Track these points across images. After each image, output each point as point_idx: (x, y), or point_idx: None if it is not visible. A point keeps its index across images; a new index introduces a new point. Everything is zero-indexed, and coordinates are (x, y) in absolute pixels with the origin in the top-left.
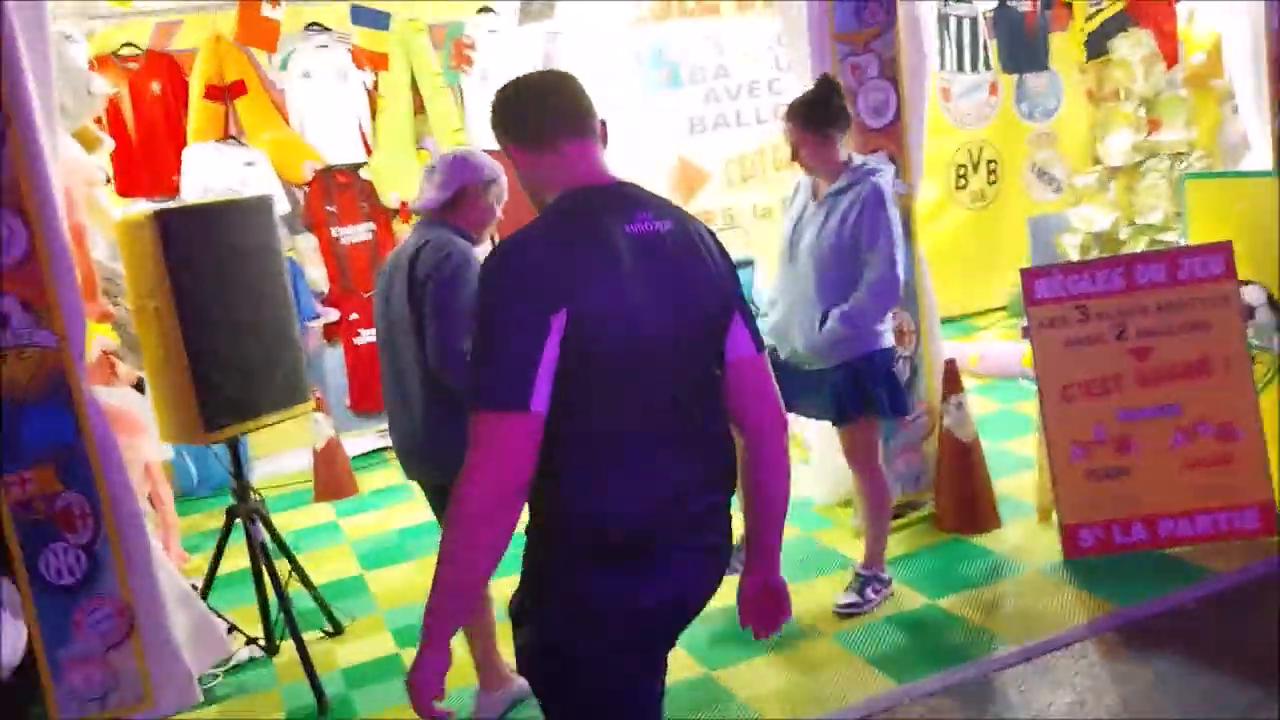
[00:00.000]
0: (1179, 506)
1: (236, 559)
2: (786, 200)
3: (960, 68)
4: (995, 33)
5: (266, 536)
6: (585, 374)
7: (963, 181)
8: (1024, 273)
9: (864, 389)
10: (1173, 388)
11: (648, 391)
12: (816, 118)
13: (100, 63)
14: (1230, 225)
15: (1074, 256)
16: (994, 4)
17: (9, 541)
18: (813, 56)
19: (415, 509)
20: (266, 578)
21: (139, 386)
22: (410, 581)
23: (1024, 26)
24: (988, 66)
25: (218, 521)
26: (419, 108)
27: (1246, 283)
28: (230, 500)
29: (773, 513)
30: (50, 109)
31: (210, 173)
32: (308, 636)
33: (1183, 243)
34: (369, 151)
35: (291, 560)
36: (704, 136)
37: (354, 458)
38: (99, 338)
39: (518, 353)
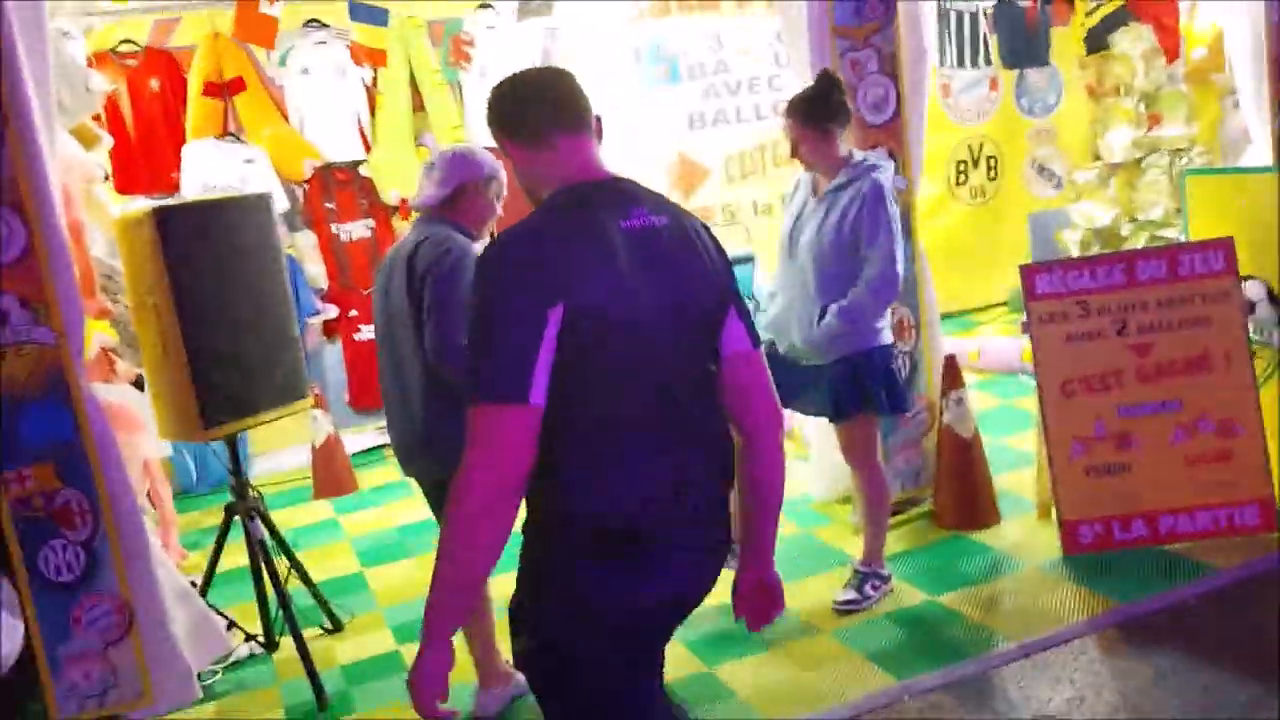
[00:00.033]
0: (1179, 502)
1: (236, 556)
2: (787, 197)
3: (960, 63)
4: (995, 28)
5: (265, 533)
6: (582, 369)
7: (963, 177)
8: (1024, 268)
9: (862, 386)
10: (1173, 383)
11: (645, 386)
12: (816, 113)
13: (98, 59)
14: (1231, 221)
15: (1074, 252)
16: None
17: (8, 538)
18: (812, 52)
19: (415, 506)
20: (266, 575)
21: (138, 384)
22: (410, 578)
23: (1024, 21)
24: (988, 62)
25: (217, 518)
26: (418, 104)
27: (1247, 278)
28: (229, 497)
29: (768, 508)
30: (48, 106)
31: (209, 170)
32: (307, 633)
33: (1183, 238)
34: (368, 148)
35: (290, 557)
36: (703, 132)
37: (353, 454)
38: (98, 335)
39: (516, 345)
